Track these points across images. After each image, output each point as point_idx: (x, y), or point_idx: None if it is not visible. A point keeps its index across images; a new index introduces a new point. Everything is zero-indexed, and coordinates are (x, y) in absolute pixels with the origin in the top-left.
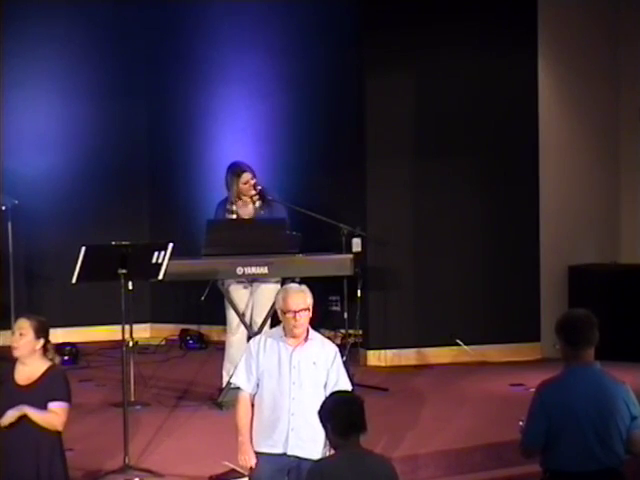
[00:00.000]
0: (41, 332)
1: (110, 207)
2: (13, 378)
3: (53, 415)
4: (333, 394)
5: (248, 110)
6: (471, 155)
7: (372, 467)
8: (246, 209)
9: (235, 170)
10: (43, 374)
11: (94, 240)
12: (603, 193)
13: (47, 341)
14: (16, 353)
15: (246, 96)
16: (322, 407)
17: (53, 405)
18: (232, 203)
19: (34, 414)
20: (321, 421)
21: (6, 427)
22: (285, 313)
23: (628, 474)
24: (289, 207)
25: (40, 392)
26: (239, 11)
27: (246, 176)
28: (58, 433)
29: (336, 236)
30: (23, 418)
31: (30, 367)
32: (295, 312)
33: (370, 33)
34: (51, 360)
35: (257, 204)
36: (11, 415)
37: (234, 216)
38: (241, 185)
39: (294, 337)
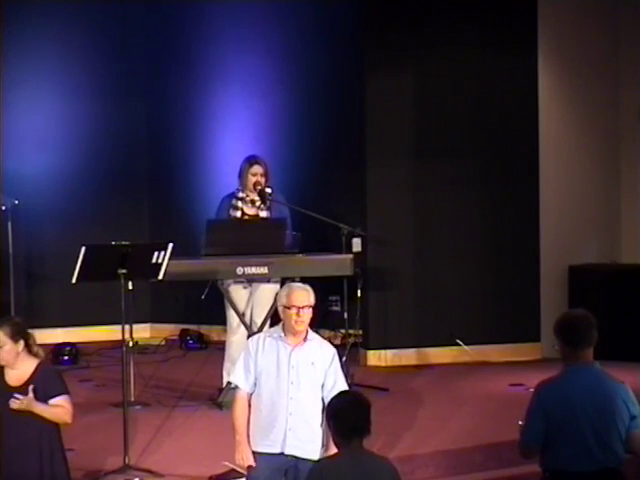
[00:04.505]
0: (18, 335)
1: (110, 207)
2: (4, 381)
3: (61, 409)
4: (341, 394)
5: (248, 110)
6: (471, 155)
7: (373, 468)
8: (251, 207)
9: (250, 159)
10: (34, 373)
11: (94, 240)
12: (603, 193)
13: (27, 339)
14: (2, 364)
15: (246, 96)
16: (329, 405)
17: (55, 401)
18: (239, 192)
19: (43, 409)
20: (326, 419)
21: (10, 421)
22: (288, 309)
23: (628, 474)
24: (290, 207)
25: (35, 391)
26: (239, 11)
27: (257, 168)
28: (58, 430)
29: (336, 236)
30: (23, 415)
31: (19, 369)
32: (299, 308)
33: (370, 33)
34: (36, 355)
35: (257, 204)
36: (19, 403)
37: (238, 212)
38: (250, 175)
39: (294, 335)
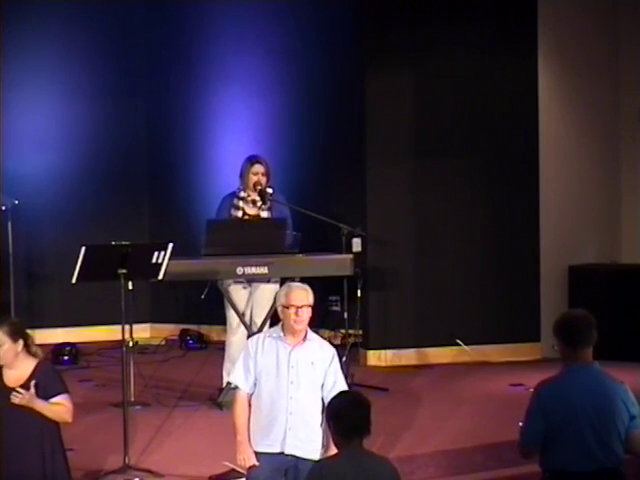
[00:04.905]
0: (17, 334)
1: (110, 207)
2: (2, 382)
3: (61, 407)
4: (341, 394)
5: (248, 110)
6: (471, 155)
7: (373, 468)
8: (252, 207)
9: (251, 158)
10: (33, 372)
11: (94, 240)
12: (603, 193)
13: (26, 339)
14: (1, 363)
15: (246, 96)
16: (328, 406)
17: (55, 399)
18: (241, 192)
19: (44, 407)
20: (326, 419)
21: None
22: (287, 308)
23: (628, 474)
24: (290, 207)
25: (36, 387)
26: (239, 11)
27: (258, 167)
28: (58, 430)
29: (336, 236)
30: (24, 415)
31: (18, 369)
32: (297, 307)
33: (370, 33)
34: (35, 355)
35: (259, 204)
36: (20, 398)
37: (240, 212)
38: (251, 175)
39: (294, 334)
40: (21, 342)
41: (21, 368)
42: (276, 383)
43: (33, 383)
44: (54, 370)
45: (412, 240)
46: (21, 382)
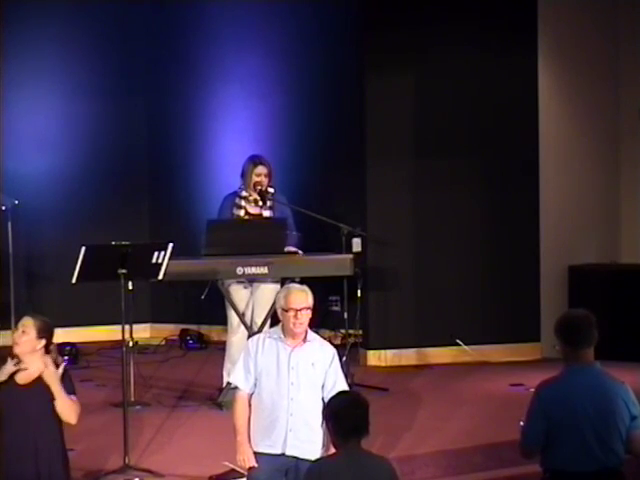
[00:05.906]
0: (43, 332)
1: (110, 207)
2: (13, 377)
3: (73, 403)
4: (340, 394)
5: (248, 110)
6: (471, 155)
7: (371, 468)
8: (254, 207)
9: (254, 159)
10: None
11: (94, 240)
12: (603, 193)
13: (50, 342)
14: (16, 349)
15: (246, 96)
16: (327, 406)
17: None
18: (242, 191)
19: (61, 392)
20: (324, 419)
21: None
22: (287, 311)
23: (628, 474)
24: (291, 207)
25: (41, 391)
26: (239, 11)
27: (261, 169)
28: (60, 431)
29: (336, 236)
30: (23, 420)
31: (30, 367)
32: (297, 310)
33: (370, 33)
34: (53, 361)
35: (260, 203)
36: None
37: (242, 211)
38: (254, 176)
39: (294, 337)
40: (43, 342)
41: (33, 367)
42: (276, 384)
43: (63, 365)
44: (67, 373)
45: (412, 240)
46: (30, 380)
